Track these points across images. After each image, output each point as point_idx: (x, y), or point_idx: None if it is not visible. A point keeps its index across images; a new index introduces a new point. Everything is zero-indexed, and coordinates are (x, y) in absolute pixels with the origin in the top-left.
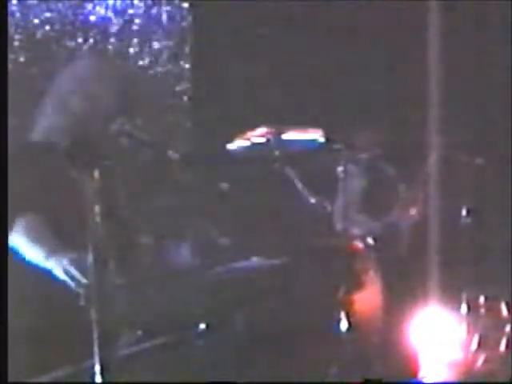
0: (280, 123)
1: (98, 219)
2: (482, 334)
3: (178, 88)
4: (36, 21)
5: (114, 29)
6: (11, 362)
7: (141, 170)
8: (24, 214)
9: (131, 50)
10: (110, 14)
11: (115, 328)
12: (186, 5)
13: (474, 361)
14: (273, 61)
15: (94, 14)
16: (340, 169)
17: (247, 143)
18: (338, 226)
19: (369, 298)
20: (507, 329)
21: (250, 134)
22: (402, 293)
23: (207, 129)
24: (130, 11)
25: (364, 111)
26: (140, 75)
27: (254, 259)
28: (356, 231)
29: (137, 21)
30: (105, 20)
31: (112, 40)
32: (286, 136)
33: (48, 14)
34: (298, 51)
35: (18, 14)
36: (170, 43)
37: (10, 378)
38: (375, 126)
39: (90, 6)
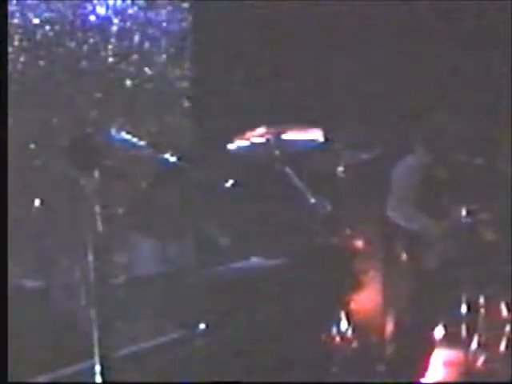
0: (280, 123)
1: (98, 219)
2: (481, 334)
3: (178, 88)
4: (36, 21)
5: (113, 29)
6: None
7: (141, 171)
8: None
9: (131, 50)
10: (110, 13)
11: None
12: (185, 5)
13: (474, 361)
14: (273, 61)
15: (93, 14)
16: (340, 169)
17: (247, 143)
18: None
19: (368, 297)
20: (507, 329)
21: (249, 133)
22: (402, 293)
23: (207, 129)
24: (130, 11)
25: (364, 111)
26: None
27: (254, 259)
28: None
29: (137, 21)
30: (105, 20)
31: (112, 40)
32: (285, 136)
33: (48, 14)
34: (298, 51)
35: (17, 14)
36: (170, 43)
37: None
38: (375, 126)
39: (90, 6)
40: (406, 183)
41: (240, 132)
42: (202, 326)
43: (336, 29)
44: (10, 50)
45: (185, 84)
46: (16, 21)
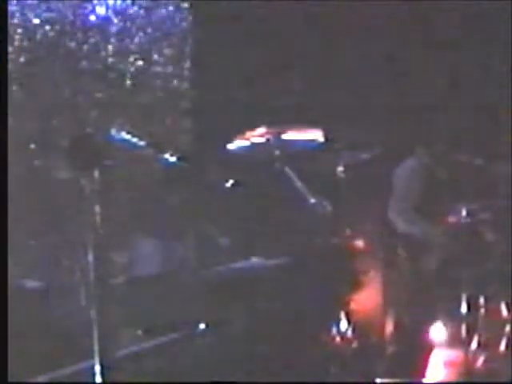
0: (280, 123)
1: (98, 219)
2: (481, 334)
3: (178, 88)
4: (36, 21)
5: (113, 29)
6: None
7: (141, 171)
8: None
9: (131, 50)
10: (110, 13)
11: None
12: (186, 5)
13: (474, 361)
14: (273, 61)
15: (93, 14)
16: (340, 169)
17: (247, 143)
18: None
19: (368, 297)
20: (507, 329)
21: (249, 133)
22: (402, 293)
23: (207, 129)
24: (130, 11)
25: (363, 111)
26: None
27: (254, 259)
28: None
29: (137, 21)
30: (105, 20)
31: (112, 40)
32: (285, 136)
33: (48, 14)
34: (297, 51)
35: (17, 14)
36: (170, 43)
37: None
38: (375, 126)
39: (89, 6)
40: (406, 186)
41: (240, 132)
42: (202, 325)
43: (336, 29)
44: (10, 49)
45: (185, 84)
46: (16, 21)
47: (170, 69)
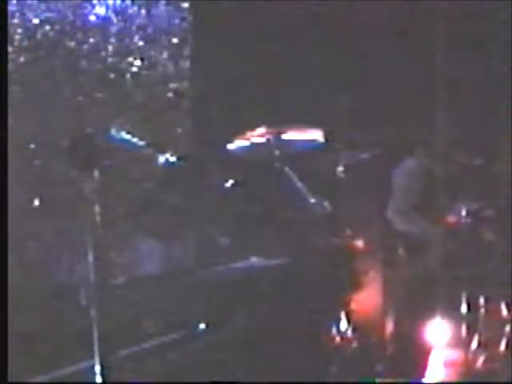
0: (280, 123)
1: (98, 219)
2: (481, 334)
3: (178, 88)
4: (36, 21)
5: (113, 29)
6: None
7: (141, 171)
8: None
9: (131, 50)
10: (110, 14)
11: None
12: (186, 5)
13: (474, 361)
14: (273, 61)
15: (93, 14)
16: (340, 169)
17: (247, 143)
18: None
19: (368, 297)
20: (507, 329)
21: (249, 133)
22: (402, 293)
23: (207, 129)
24: (130, 11)
25: (363, 111)
26: None
27: (254, 259)
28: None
29: (137, 21)
30: (105, 20)
31: (112, 40)
32: (285, 136)
33: (48, 14)
34: (298, 51)
35: (17, 14)
36: (170, 43)
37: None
38: (375, 126)
39: (89, 6)
40: (406, 186)
41: (240, 132)
42: (202, 325)
43: (336, 28)
44: (10, 49)
45: (185, 84)
46: (16, 21)
47: (170, 69)
